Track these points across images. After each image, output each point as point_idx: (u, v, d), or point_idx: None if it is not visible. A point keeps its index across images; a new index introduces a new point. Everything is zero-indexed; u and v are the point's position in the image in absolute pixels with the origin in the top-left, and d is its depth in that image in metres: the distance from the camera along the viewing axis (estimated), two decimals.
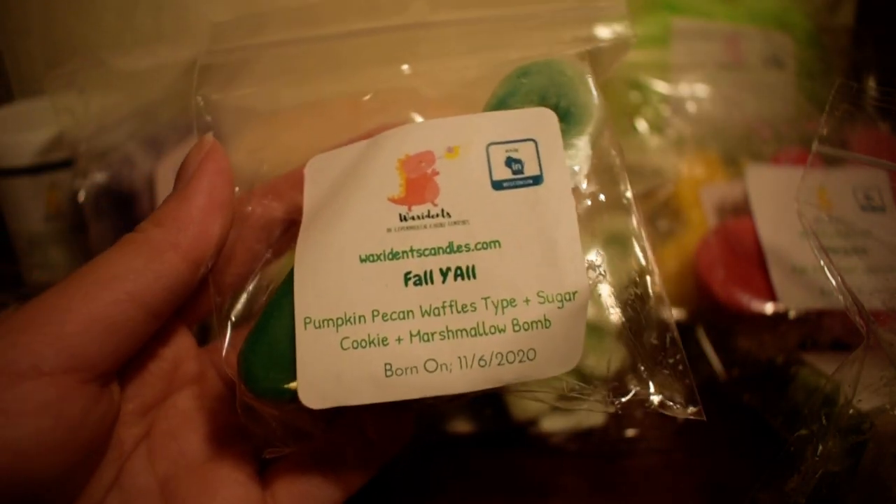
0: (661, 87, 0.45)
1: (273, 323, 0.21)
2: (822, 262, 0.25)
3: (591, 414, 0.34)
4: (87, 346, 0.19)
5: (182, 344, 0.24)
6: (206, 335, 0.31)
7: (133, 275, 0.20)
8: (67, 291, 0.19)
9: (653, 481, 0.33)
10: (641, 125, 0.44)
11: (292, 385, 0.20)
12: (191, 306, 0.24)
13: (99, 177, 0.39)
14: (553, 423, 0.34)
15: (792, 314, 0.34)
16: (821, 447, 0.24)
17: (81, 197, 0.39)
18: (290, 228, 0.25)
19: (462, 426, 0.35)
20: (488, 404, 0.35)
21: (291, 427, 0.22)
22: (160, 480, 0.22)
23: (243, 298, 0.24)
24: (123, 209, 0.40)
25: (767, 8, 0.49)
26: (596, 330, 0.23)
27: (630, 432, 0.34)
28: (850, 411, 0.23)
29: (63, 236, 0.43)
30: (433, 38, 0.26)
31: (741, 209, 0.38)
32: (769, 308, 0.34)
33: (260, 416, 0.22)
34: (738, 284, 0.35)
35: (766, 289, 0.35)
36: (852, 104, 0.27)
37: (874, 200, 0.28)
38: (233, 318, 0.23)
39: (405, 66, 0.26)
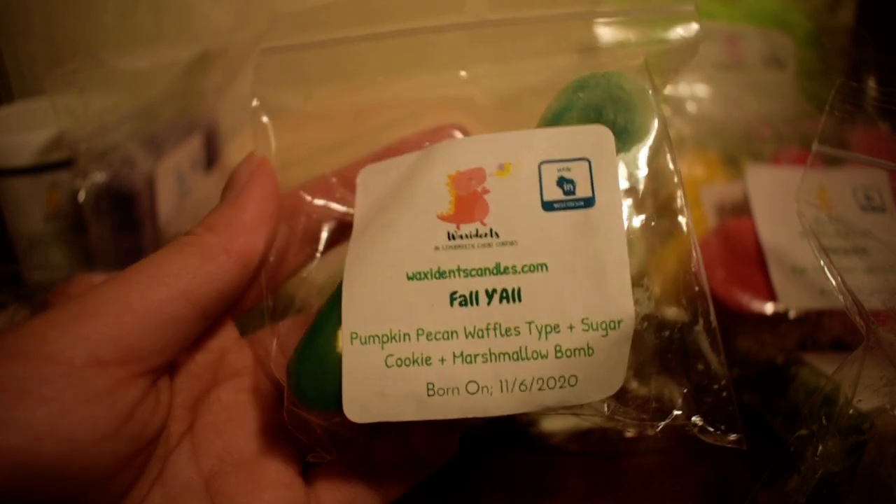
0: None
1: (322, 336, 0.22)
2: (822, 262, 0.25)
3: None
4: (141, 340, 0.19)
5: (227, 335, 0.24)
6: None
7: (188, 274, 0.20)
8: (124, 285, 0.20)
9: (653, 481, 0.33)
10: None
11: (338, 398, 0.21)
12: (238, 301, 0.24)
13: (99, 177, 0.39)
14: (553, 423, 0.34)
15: (792, 314, 0.34)
16: (821, 447, 0.24)
17: (81, 197, 0.39)
18: (340, 228, 0.25)
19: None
20: None
21: (335, 436, 0.22)
22: (205, 477, 0.22)
23: (292, 300, 0.25)
24: (123, 209, 0.40)
25: (767, 8, 0.49)
26: (640, 352, 0.23)
27: (630, 432, 0.34)
28: (850, 411, 0.23)
29: (63, 236, 0.43)
30: (491, 38, 0.26)
31: (741, 209, 0.38)
32: (769, 308, 0.34)
33: (305, 422, 0.22)
34: (738, 284, 0.35)
35: (766, 289, 0.34)
36: (852, 104, 0.27)
37: (874, 200, 0.28)
38: (282, 320, 0.24)
39: (463, 73, 0.26)
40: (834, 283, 0.25)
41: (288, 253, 0.25)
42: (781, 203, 0.36)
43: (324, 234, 0.25)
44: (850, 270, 0.26)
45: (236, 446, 0.23)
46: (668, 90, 0.44)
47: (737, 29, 0.47)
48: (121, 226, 0.40)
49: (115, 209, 0.40)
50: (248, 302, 0.25)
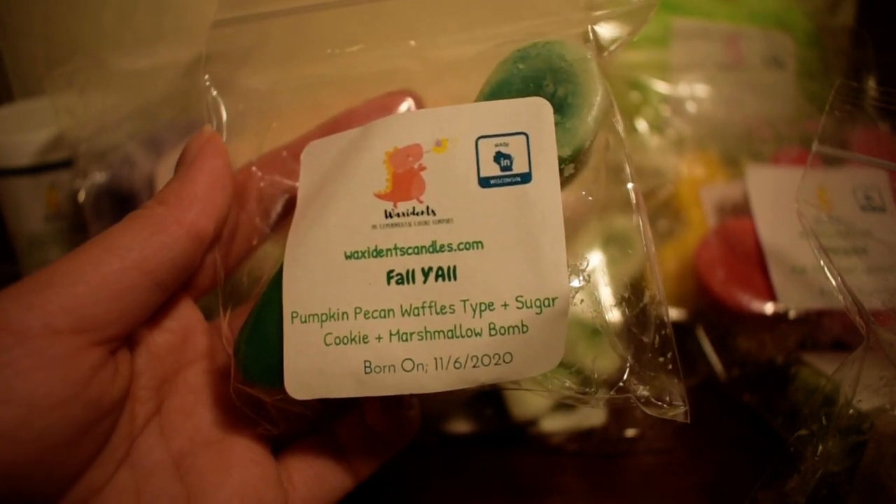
0: (661, 87, 0.45)
1: (265, 314, 0.22)
2: (822, 262, 0.25)
3: (591, 414, 0.34)
4: (95, 309, 0.19)
5: (189, 317, 0.24)
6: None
7: (140, 245, 0.21)
8: (78, 259, 0.20)
9: (653, 481, 0.33)
10: (641, 125, 0.44)
11: (281, 375, 0.21)
12: (196, 279, 0.24)
13: (99, 177, 0.39)
14: (553, 423, 0.34)
15: (792, 314, 0.34)
16: (821, 447, 0.24)
17: (81, 197, 0.39)
18: (292, 203, 0.25)
19: (462, 426, 0.35)
20: (488, 404, 0.35)
21: (282, 411, 0.23)
22: (175, 457, 0.23)
23: (243, 276, 0.25)
24: (123, 209, 0.39)
25: (767, 8, 0.49)
26: (584, 325, 0.23)
27: (630, 432, 0.34)
28: (850, 411, 0.23)
29: (63, 236, 0.43)
30: (437, 7, 0.25)
31: (741, 209, 0.38)
32: (769, 308, 0.34)
33: (252, 398, 0.22)
34: (738, 284, 0.35)
35: (766, 289, 0.35)
36: (852, 104, 0.27)
37: (874, 200, 0.28)
38: (232, 296, 0.24)
39: (412, 42, 0.25)
40: (834, 283, 0.25)
41: (239, 228, 0.25)
42: (781, 203, 0.37)
43: (276, 210, 0.26)
44: (850, 270, 0.26)
45: (205, 427, 0.24)
46: (668, 90, 0.44)
47: (737, 29, 0.47)
48: None
49: (115, 209, 0.40)
50: (207, 282, 0.25)
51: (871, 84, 0.43)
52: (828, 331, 0.34)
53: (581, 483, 0.33)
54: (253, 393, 0.22)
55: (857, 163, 0.28)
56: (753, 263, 0.36)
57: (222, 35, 0.26)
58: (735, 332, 0.36)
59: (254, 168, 0.26)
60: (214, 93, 0.26)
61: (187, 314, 0.24)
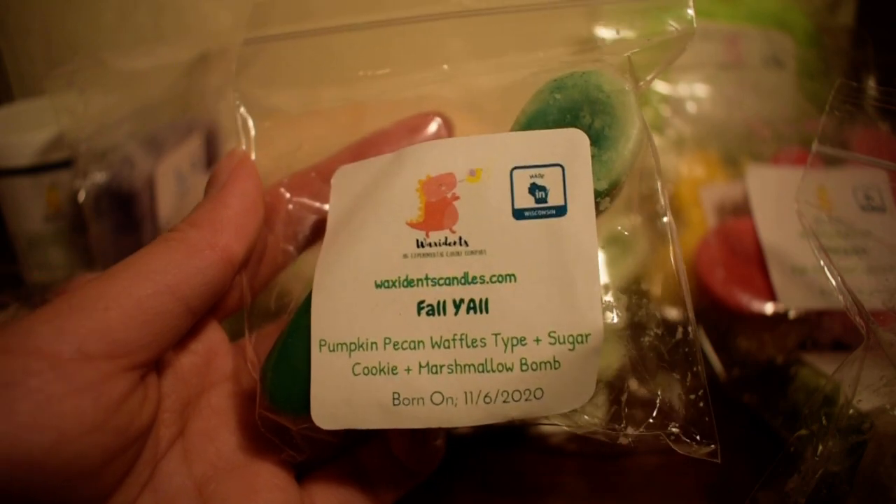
0: (661, 87, 0.45)
1: (293, 341, 0.22)
2: (822, 262, 0.25)
3: None
4: (128, 334, 0.19)
5: (213, 338, 0.24)
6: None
7: (173, 269, 0.20)
8: (111, 282, 0.20)
9: (653, 481, 0.33)
10: None
11: (307, 403, 0.21)
12: (223, 301, 0.24)
13: (99, 177, 0.39)
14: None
15: (792, 314, 0.34)
16: (821, 447, 0.24)
17: (81, 197, 0.39)
18: (320, 225, 0.25)
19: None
20: None
21: (308, 438, 0.22)
22: (197, 482, 0.22)
23: (270, 299, 0.25)
24: (123, 209, 0.40)
25: (767, 8, 0.49)
26: (615, 359, 0.23)
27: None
28: (850, 411, 0.23)
29: (63, 236, 0.43)
30: (473, 31, 0.25)
31: (741, 209, 0.38)
32: (769, 308, 0.34)
33: (278, 425, 0.22)
34: (738, 284, 0.35)
35: (766, 289, 0.35)
36: (852, 104, 0.27)
37: (874, 200, 0.28)
38: (257, 319, 0.24)
39: (445, 67, 0.25)
40: (834, 283, 0.25)
41: (266, 251, 0.25)
42: (781, 203, 0.36)
43: (304, 233, 0.25)
44: (850, 270, 0.26)
45: (228, 451, 0.23)
46: (668, 90, 0.44)
47: (737, 29, 0.47)
48: (121, 226, 0.40)
49: (115, 209, 0.40)
50: (232, 304, 0.25)
51: (871, 84, 0.43)
52: (828, 331, 0.34)
53: (581, 483, 0.33)
54: (278, 420, 0.22)
55: (857, 163, 0.28)
56: (753, 263, 0.36)
57: (252, 53, 0.26)
58: (735, 332, 0.36)
59: (282, 189, 0.25)
60: (243, 110, 0.25)
61: (211, 336, 0.24)
